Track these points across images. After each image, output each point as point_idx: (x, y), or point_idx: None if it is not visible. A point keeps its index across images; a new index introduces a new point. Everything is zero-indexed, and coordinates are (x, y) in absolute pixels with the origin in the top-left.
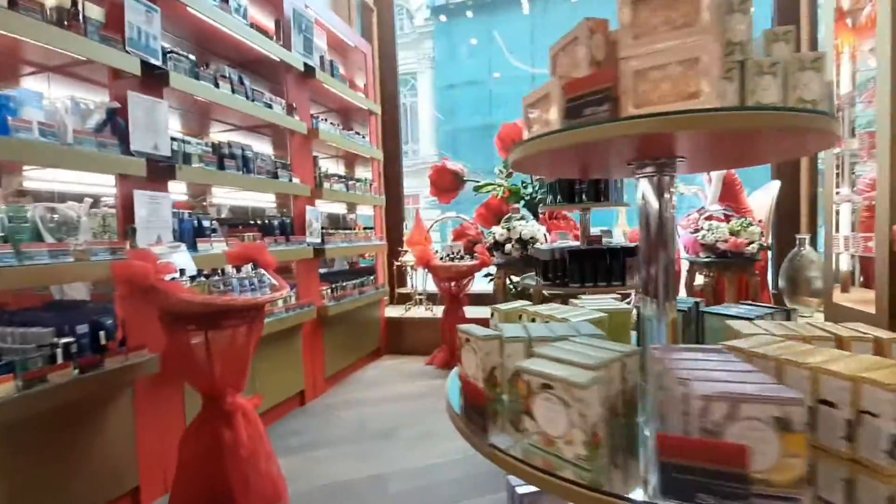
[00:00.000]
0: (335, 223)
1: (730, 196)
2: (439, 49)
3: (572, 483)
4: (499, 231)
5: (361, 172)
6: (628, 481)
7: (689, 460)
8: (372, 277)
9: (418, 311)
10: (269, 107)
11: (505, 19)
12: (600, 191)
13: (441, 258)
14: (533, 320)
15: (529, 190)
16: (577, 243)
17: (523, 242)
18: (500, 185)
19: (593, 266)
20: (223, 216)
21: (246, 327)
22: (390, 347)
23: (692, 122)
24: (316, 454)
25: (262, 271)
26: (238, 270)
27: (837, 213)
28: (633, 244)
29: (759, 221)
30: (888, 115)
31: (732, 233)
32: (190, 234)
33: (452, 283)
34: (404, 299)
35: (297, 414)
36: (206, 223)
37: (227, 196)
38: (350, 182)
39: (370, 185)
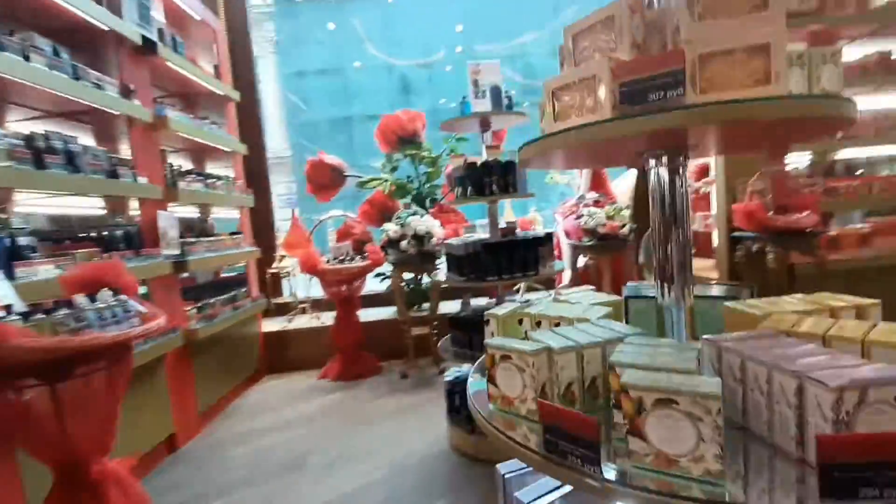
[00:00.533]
0: (189, 229)
1: (597, 183)
2: (283, 32)
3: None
4: (392, 228)
5: (213, 169)
6: (758, 477)
7: (853, 458)
8: (244, 289)
9: (303, 321)
10: (100, 87)
11: (360, 5)
12: (509, 182)
13: (328, 261)
14: (538, 323)
15: (416, 184)
16: (487, 236)
17: (419, 238)
18: (385, 181)
19: (509, 258)
20: (36, 229)
21: (109, 372)
22: (273, 366)
23: (787, 108)
24: None
25: (125, 297)
26: (92, 300)
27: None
28: (542, 234)
29: (628, 206)
30: None
31: (608, 217)
32: (1, 257)
33: (344, 287)
34: (283, 310)
35: (171, 463)
36: (22, 241)
37: (35, 203)
38: (209, 180)
39: (233, 182)
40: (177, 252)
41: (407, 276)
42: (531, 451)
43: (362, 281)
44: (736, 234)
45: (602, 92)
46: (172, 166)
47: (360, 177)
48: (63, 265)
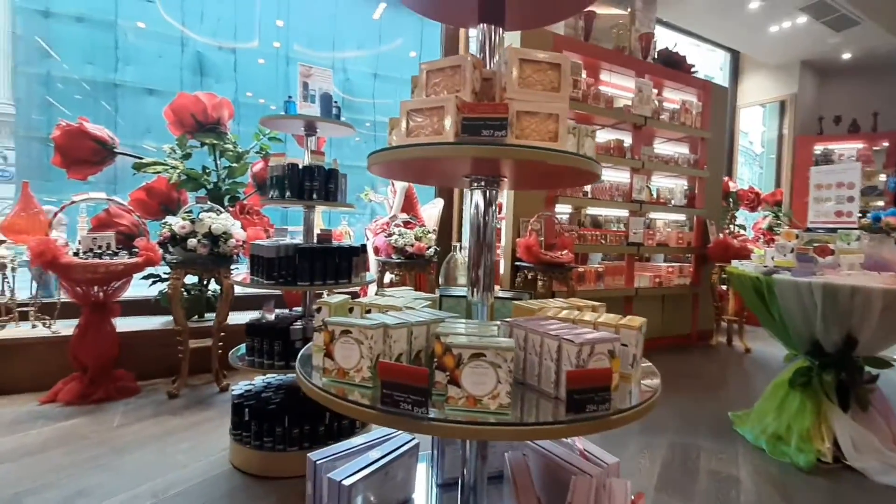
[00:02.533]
0: None
1: (408, 206)
2: None
3: (509, 424)
4: (179, 223)
5: None
6: (531, 411)
7: (585, 385)
8: None
9: (20, 330)
10: None
11: None
12: (330, 191)
13: (76, 253)
14: (368, 311)
15: (214, 178)
16: (299, 241)
17: (214, 238)
18: (173, 167)
19: (323, 264)
20: None
21: None
22: None
23: (565, 159)
24: None
25: None
26: None
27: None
28: (358, 245)
29: (434, 230)
30: None
31: (417, 238)
32: None
33: (97, 288)
34: None
35: None
36: None
37: None
38: None
39: None
40: None
41: (189, 280)
42: (367, 407)
43: (126, 282)
44: (518, 263)
45: (448, 121)
46: None
47: (136, 157)
48: None
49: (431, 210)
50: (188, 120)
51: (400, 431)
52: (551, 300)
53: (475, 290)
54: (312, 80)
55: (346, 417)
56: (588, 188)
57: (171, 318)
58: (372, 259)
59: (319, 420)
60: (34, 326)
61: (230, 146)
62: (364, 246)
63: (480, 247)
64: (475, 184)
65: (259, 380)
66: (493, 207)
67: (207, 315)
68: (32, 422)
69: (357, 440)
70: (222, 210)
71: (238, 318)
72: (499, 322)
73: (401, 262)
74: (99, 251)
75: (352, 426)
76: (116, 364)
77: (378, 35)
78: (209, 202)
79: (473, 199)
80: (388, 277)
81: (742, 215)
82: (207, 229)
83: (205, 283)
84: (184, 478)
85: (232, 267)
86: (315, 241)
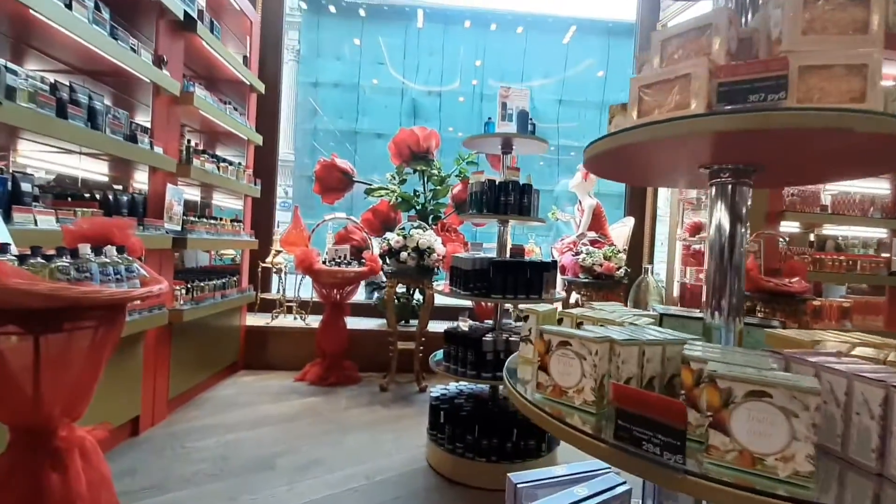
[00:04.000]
0: (190, 209)
1: (596, 225)
2: (307, 42)
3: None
4: (394, 238)
5: (222, 154)
6: (830, 486)
7: None
8: (235, 278)
9: (286, 320)
10: (135, 51)
11: (386, 28)
12: (524, 206)
13: (324, 262)
14: (580, 324)
15: (422, 200)
16: (492, 256)
17: (420, 252)
18: (392, 191)
19: (514, 278)
20: (37, 182)
21: (98, 332)
22: (249, 361)
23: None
24: (166, 498)
25: (130, 258)
26: (97, 253)
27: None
28: (549, 261)
29: (624, 250)
30: None
31: (606, 258)
32: (2, 199)
33: (336, 291)
34: (268, 306)
35: (130, 447)
36: (25, 186)
37: (37, 157)
38: (222, 163)
39: (243, 170)
40: (177, 228)
41: (400, 289)
42: (596, 439)
43: (355, 287)
44: None
45: (698, 89)
46: (189, 142)
47: (367, 184)
48: (64, 219)
49: (621, 229)
50: (405, 151)
51: (609, 470)
52: (818, 332)
53: (716, 312)
54: (510, 99)
55: (533, 438)
56: (828, 200)
57: (384, 321)
58: (558, 278)
59: (507, 436)
60: (295, 319)
61: (435, 171)
62: (555, 262)
63: (724, 270)
64: (719, 177)
65: (453, 385)
66: (744, 221)
67: (412, 321)
68: (288, 394)
69: (559, 470)
70: (427, 227)
71: (435, 326)
72: (760, 352)
73: (588, 282)
74: (339, 260)
75: (538, 448)
76: (346, 355)
77: (564, 60)
78: (418, 220)
79: (715, 208)
80: (573, 297)
81: None
82: (416, 244)
83: (411, 292)
84: (389, 466)
85: (434, 278)
86: (508, 255)
